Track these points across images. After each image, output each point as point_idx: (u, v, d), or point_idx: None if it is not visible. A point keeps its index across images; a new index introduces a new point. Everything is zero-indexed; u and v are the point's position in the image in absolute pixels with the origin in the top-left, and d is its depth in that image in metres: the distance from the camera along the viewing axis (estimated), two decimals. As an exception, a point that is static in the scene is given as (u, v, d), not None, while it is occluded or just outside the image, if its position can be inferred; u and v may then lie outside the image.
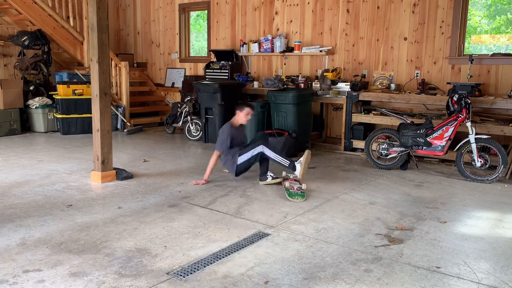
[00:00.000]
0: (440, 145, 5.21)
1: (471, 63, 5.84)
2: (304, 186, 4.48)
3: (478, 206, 4.19)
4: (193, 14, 9.63)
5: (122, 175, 4.91)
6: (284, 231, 3.48)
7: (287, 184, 4.56)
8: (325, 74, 6.83)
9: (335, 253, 3.07)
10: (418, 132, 5.29)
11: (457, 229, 3.59)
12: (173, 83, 9.39)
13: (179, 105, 7.88)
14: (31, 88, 8.19)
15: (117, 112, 8.16)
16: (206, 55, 9.07)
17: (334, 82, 6.90)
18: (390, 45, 6.76)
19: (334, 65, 7.26)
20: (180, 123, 7.80)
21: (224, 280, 2.67)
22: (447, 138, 5.17)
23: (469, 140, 5.05)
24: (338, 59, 7.27)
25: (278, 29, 7.86)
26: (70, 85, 7.71)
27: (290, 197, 4.28)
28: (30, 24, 8.46)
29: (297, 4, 7.58)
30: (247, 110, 4.94)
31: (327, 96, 6.78)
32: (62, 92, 7.66)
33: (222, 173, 5.20)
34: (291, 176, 4.74)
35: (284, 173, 4.92)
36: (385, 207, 4.11)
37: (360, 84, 6.48)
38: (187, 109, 7.64)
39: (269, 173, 4.84)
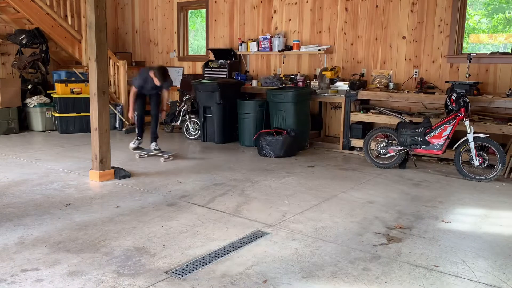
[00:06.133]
0: (438, 144, 5.22)
1: (470, 62, 5.84)
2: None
3: (476, 205, 4.20)
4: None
5: (120, 174, 4.90)
6: (283, 230, 3.48)
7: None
8: (323, 73, 6.83)
9: (334, 252, 3.07)
10: (417, 131, 5.30)
11: (455, 227, 3.59)
12: (171, 82, 9.36)
13: (178, 104, 7.87)
14: (29, 86, 8.17)
15: (115, 111, 8.15)
16: (204, 53, 9.06)
17: (332, 81, 6.89)
18: (388, 44, 6.76)
19: (332, 64, 7.26)
20: (179, 122, 7.79)
21: (223, 279, 2.67)
22: (446, 137, 5.17)
23: (467, 139, 5.05)
24: (336, 58, 7.26)
25: (276, 28, 7.86)
26: (68, 84, 7.69)
27: None
28: (28, 22, 8.43)
29: (296, 3, 7.57)
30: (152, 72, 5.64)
31: (326, 95, 6.78)
32: (60, 91, 7.64)
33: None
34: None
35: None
36: (383, 206, 4.11)
37: (359, 83, 6.48)
38: (185, 108, 7.63)
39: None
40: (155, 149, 5.94)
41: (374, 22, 6.84)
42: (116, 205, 4.01)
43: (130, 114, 5.91)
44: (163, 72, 5.65)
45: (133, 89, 5.80)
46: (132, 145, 6.04)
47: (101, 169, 4.79)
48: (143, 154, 6.00)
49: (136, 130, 6.02)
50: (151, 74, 5.60)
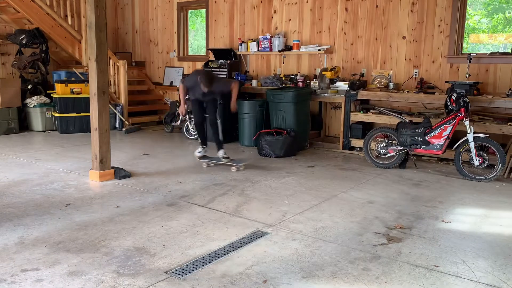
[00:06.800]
0: (438, 144, 5.22)
1: (470, 62, 5.84)
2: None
3: (476, 205, 4.20)
4: (191, 12, 9.61)
5: (120, 174, 4.90)
6: (283, 230, 3.48)
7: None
8: (323, 73, 6.83)
9: (334, 252, 3.07)
10: (417, 131, 5.30)
11: (455, 227, 3.59)
12: (171, 82, 9.38)
13: (178, 104, 7.87)
14: (29, 86, 8.17)
15: (115, 111, 8.15)
16: (204, 53, 9.06)
17: (332, 81, 6.89)
18: (388, 44, 6.76)
19: (332, 64, 7.26)
20: (179, 122, 7.80)
21: (223, 279, 2.67)
22: (446, 137, 5.17)
23: (467, 139, 5.05)
24: (336, 58, 7.27)
25: (276, 28, 7.86)
26: (68, 84, 7.69)
27: None
28: (28, 22, 8.44)
29: (296, 3, 7.57)
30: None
31: (326, 95, 6.77)
32: (60, 91, 7.64)
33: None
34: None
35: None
36: (383, 206, 4.11)
37: (359, 83, 6.48)
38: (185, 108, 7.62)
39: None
40: (224, 158, 5.45)
41: (374, 22, 6.84)
42: (116, 205, 4.02)
43: (181, 109, 5.63)
44: (208, 77, 5.22)
45: (181, 84, 5.52)
46: (197, 153, 5.62)
47: (101, 169, 4.79)
48: (210, 163, 5.55)
49: (199, 138, 5.68)
50: (198, 79, 5.20)
